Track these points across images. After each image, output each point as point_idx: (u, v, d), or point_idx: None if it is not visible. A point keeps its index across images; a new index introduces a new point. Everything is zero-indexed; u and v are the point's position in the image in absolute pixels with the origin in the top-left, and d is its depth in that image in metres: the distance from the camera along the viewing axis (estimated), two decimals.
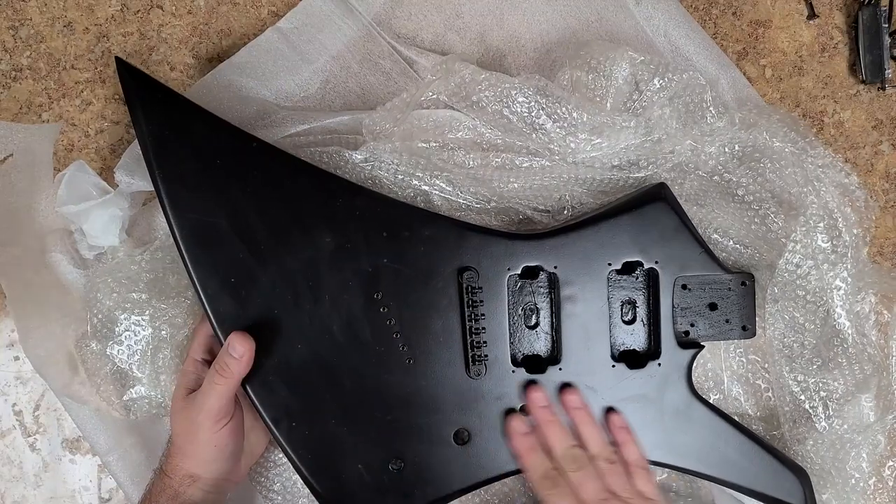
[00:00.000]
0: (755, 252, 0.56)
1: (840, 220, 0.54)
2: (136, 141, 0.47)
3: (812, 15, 0.62)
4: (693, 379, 0.52)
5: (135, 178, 0.55)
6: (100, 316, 0.55)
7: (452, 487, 0.50)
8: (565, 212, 0.56)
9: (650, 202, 0.51)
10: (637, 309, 0.53)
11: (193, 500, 0.48)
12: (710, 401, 0.56)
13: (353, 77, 0.60)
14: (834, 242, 0.54)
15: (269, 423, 0.48)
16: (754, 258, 0.56)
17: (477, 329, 0.50)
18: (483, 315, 0.50)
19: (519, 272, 0.50)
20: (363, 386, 0.49)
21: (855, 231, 0.55)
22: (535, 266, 0.50)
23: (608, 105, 0.56)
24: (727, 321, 0.53)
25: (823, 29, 0.62)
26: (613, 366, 0.51)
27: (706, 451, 0.51)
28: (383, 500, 0.49)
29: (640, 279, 0.53)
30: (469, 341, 0.49)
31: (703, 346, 0.52)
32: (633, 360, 0.52)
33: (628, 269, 0.52)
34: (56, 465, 0.62)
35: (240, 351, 0.46)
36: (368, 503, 0.49)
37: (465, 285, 0.49)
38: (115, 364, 0.56)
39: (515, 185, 0.56)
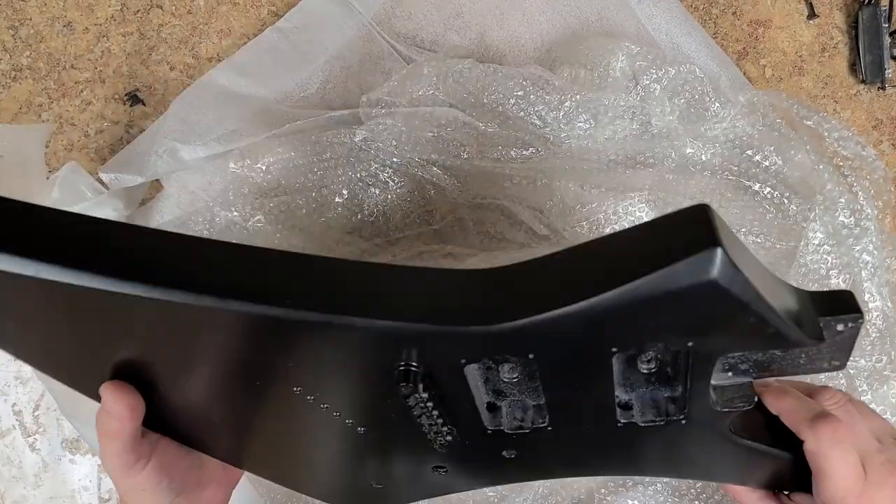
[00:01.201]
0: (771, 242, 0.55)
1: (860, 193, 0.54)
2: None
3: (812, 15, 0.62)
4: None
5: (122, 174, 0.55)
6: None
7: (434, 495, 0.49)
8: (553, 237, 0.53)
9: (687, 277, 0.27)
10: (658, 360, 0.35)
11: None
12: None
13: (352, 77, 0.60)
14: (856, 217, 0.53)
15: (234, 465, 0.46)
16: (770, 251, 0.56)
17: (431, 421, 0.37)
18: (436, 407, 0.36)
19: (478, 364, 0.35)
20: (315, 448, 0.44)
21: (877, 202, 0.54)
22: (501, 357, 0.34)
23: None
24: (804, 359, 0.35)
25: (823, 29, 0.62)
26: (620, 424, 0.38)
27: (734, 473, 0.44)
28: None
29: (666, 350, 0.34)
30: (425, 430, 0.38)
31: (752, 403, 0.37)
32: (649, 406, 0.38)
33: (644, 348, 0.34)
34: (56, 465, 0.61)
35: (115, 409, 0.38)
36: None
37: (403, 392, 0.34)
38: None
39: (512, 180, 0.56)
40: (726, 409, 0.36)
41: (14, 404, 0.62)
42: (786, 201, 0.55)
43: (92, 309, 0.32)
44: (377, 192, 0.56)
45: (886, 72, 0.60)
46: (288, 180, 0.56)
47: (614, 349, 0.32)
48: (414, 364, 0.33)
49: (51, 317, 0.33)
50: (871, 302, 0.54)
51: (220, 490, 0.46)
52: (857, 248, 0.53)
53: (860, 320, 0.32)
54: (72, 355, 0.36)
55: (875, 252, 0.53)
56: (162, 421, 0.40)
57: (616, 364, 0.34)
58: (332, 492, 0.49)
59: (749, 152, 0.57)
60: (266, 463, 0.46)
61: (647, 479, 0.57)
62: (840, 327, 0.32)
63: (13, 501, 0.62)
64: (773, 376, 0.36)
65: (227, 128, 0.57)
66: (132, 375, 0.37)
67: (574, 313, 0.29)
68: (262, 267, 0.33)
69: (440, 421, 0.37)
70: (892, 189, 0.56)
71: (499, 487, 0.58)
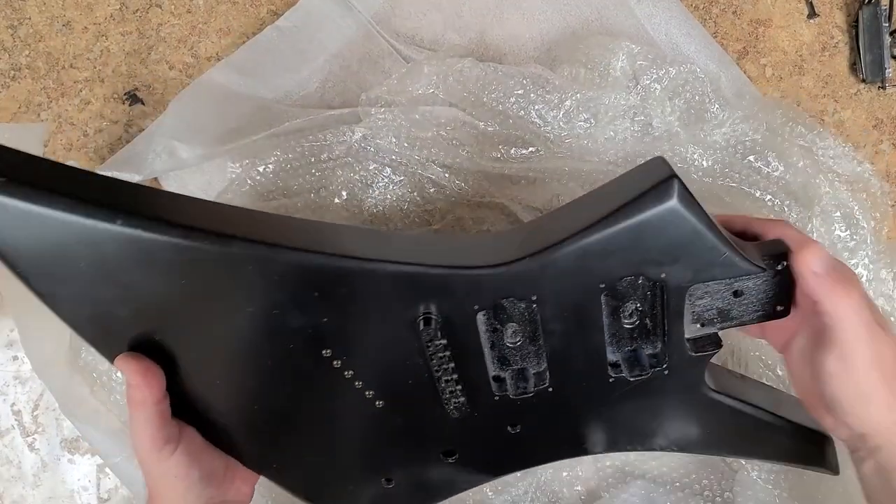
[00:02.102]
0: None
1: (856, 208, 0.54)
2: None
3: (812, 14, 0.62)
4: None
5: (121, 172, 0.55)
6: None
7: (442, 495, 0.50)
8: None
9: (654, 207, 0.37)
10: (639, 310, 0.43)
11: None
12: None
13: (352, 76, 0.60)
14: (852, 230, 0.54)
15: (251, 468, 0.46)
16: None
17: (448, 377, 0.42)
18: (452, 360, 0.42)
19: (489, 309, 0.41)
20: (333, 428, 0.45)
21: (875, 213, 0.54)
22: (509, 299, 0.41)
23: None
24: (755, 305, 0.42)
25: (824, 28, 0.62)
26: (611, 379, 0.44)
27: (726, 437, 0.48)
28: None
29: (643, 284, 0.41)
30: (440, 388, 0.43)
31: (719, 347, 0.44)
32: (635, 362, 0.44)
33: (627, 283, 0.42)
34: (55, 464, 0.61)
35: (133, 378, 0.39)
36: None
37: (424, 339, 0.40)
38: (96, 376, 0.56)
39: (511, 180, 0.56)
40: (700, 354, 0.43)
41: (13, 404, 0.62)
42: (786, 209, 0.55)
43: (135, 263, 0.35)
44: (376, 192, 0.56)
45: (887, 71, 0.60)
46: (286, 182, 0.56)
47: (602, 284, 0.39)
48: (433, 313, 0.39)
49: (82, 270, 0.36)
50: None
51: (246, 484, 0.47)
52: (853, 260, 0.54)
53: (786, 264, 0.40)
54: (98, 315, 0.38)
55: (871, 265, 0.54)
56: (185, 412, 0.42)
57: (605, 313, 0.41)
58: (344, 497, 0.49)
59: (751, 158, 0.56)
60: (277, 459, 0.46)
61: (646, 476, 0.57)
62: (779, 267, 0.40)
63: (12, 501, 0.62)
64: (734, 325, 0.42)
65: (226, 127, 0.56)
66: (153, 352, 0.39)
67: (566, 249, 0.38)
68: (298, 225, 0.40)
69: (455, 376, 0.42)
70: (890, 203, 0.56)
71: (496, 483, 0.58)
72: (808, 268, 0.38)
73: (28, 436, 0.62)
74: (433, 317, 0.39)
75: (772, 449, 0.49)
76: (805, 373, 0.41)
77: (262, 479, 0.57)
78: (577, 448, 0.49)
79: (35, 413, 0.62)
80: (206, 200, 0.39)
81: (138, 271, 0.36)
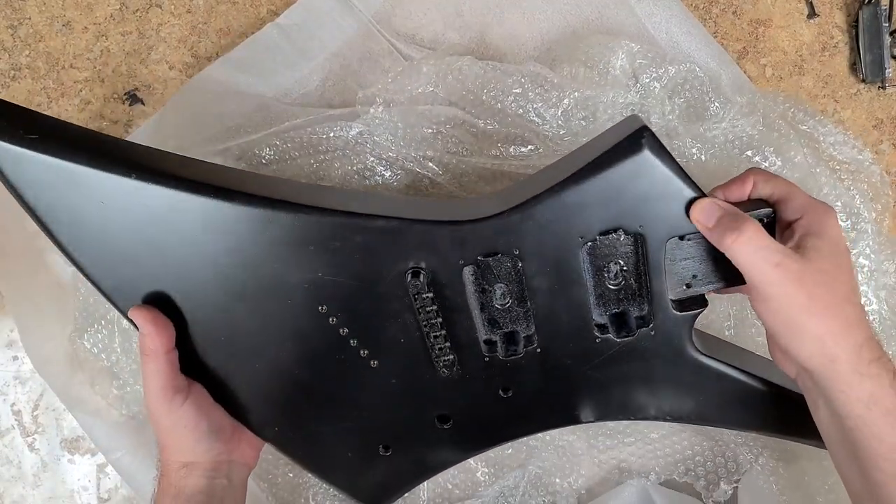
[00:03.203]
0: None
1: (857, 196, 0.54)
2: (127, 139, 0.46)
3: (812, 14, 0.62)
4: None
5: None
6: (83, 311, 0.55)
7: (438, 462, 0.51)
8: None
9: (626, 157, 0.39)
10: (623, 270, 0.43)
11: (198, 488, 0.46)
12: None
13: (352, 75, 0.60)
14: (853, 220, 0.53)
15: (254, 432, 0.48)
16: None
17: (436, 332, 0.44)
18: (440, 315, 0.43)
19: (474, 262, 0.42)
20: (331, 390, 0.47)
21: (876, 205, 0.54)
22: (492, 252, 0.42)
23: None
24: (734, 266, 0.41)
25: (824, 28, 0.62)
26: (598, 339, 0.45)
27: (715, 404, 0.48)
28: (379, 479, 0.50)
29: (623, 241, 0.42)
30: (430, 345, 0.44)
31: (705, 306, 0.44)
32: (622, 323, 0.45)
33: (606, 236, 0.42)
34: (55, 464, 0.61)
35: (146, 328, 0.42)
36: (366, 483, 0.50)
37: (412, 291, 0.42)
38: (104, 358, 0.56)
39: (510, 178, 0.55)
40: (685, 312, 0.44)
41: (13, 404, 0.62)
42: None
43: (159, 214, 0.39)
44: (373, 185, 0.56)
45: (887, 71, 0.60)
46: (284, 173, 0.56)
47: (581, 237, 0.41)
48: (421, 266, 0.42)
49: (101, 222, 0.40)
50: (868, 305, 0.54)
51: (252, 447, 0.49)
52: (854, 251, 0.53)
53: (772, 215, 0.42)
54: (115, 267, 0.41)
55: (872, 255, 0.53)
56: (192, 371, 0.45)
57: (588, 271, 0.42)
58: (341, 465, 0.50)
59: (749, 153, 0.56)
60: (278, 422, 0.48)
61: (643, 472, 0.58)
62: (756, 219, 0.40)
63: (12, 501, 0.61)
64: (716, 287, 0.43)
65: (225, 124, 0.57)
66: (164, 307, 0.42)
67: (545, 202, 0.40)
68: (298, 185, 0.44)
69: (443, 332, 0.44)
70: (890, 192, 0.56)
71: (492, 473, 0.58)
72: (699, 224, 0.40)
73: (28, 436, 0.62)
74: (421, 270, 0.42)
75: (761, 417, 0.49)
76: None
77: (261, 473, 0.57)
78: (568, 416, 0.49)
79: (35, 413, 0.62)
80: (210, 162, 0.43)
81: (152, 226, 0.40)
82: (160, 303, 0.42)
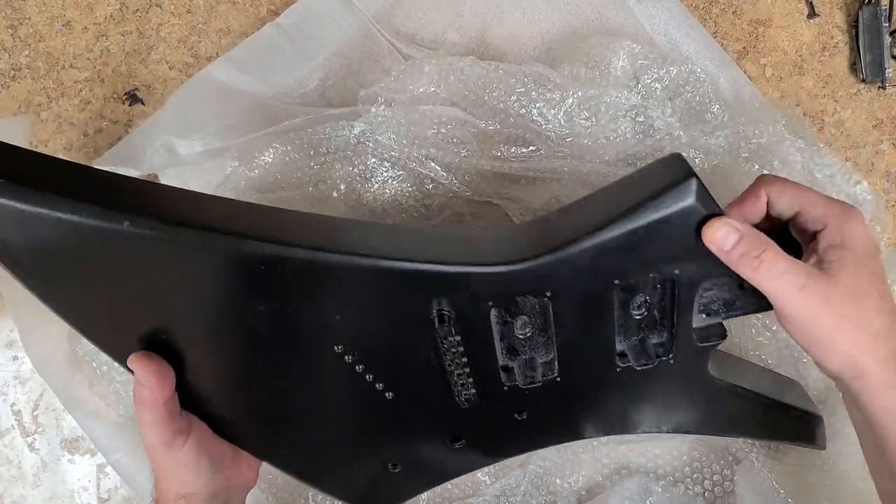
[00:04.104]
0: None
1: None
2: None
3: (812, 14, 0.62)
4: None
5: (118, 167, 0.55)
6: None
7: (445, 475, 0.51)
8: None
9: (673, 206, 0.36)
10: (648, 305, 0.42)
11: None
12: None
13: (352, 74, 0.60)
14: None
15: (257, 456, 0.47)
16: None
17: (460, 370, 0.42)
18: (464, 354, 0.41)
19: (504, 305, 0.40)
20: (343, 418, 0.46)
21: (876, 227, 0.54)
22: (523, 296, 0.40)
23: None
24: (759, 295, 0.40)
25: (824, 28, 0.62)
26: (618, 368, 0.44)
27: (723, 419, 0.49)
28: (384, 491, 0.50)
29: (654, 282, 0.41)
30: (452, 382, 0.43)
31: (724, 338, 0.44)
32: (642, 352, 0.44)
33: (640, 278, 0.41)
34: (55, 464, 0.61)
35: (147, 379, 0.39)
36: (370, 494, 0.50)
37: (440, 336, 0.40)
38: (95, 367, 0.56)
39: (511, 179, 0.55)
40: (705, 344, 0.43)
41: (13, 404, 0.61)
42: None
43: (131, 262, 0.34)
44: (375, 186, 0.56)
45: (887, 71, 0.60)
46: (285, 175, 0.56)
47: (616, 281, 0.39)
48: (447, 309, 0.39)
49: (87, 273, 0.35)
50: None
51: (251, 469, 0.47)
52: None
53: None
54: (105, 317, 0.38)
55: None
56: (191, 403, 0.42)
57: (615, 306, 0.40)
58: (347, 481, 0.49)
59: (757, 167, 0.56)
60: (283, 447, 0.46)
61: (643, 470, 0.58)
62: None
63: (12, 501, 0.61)
64: (738, 315, 0.42)
65: (224, 123, 0.56)
66: (162, 349, 0.39)
67: (584, 246, 0.37)
68: (311, 221, 0.39)
69: (467, 370, 0.42)
70: (890, 205, 0.56)
71: (492, 473, 0.58)
72: (713, 247, 0.37)
73: (28, 436, 0.62)
74: (447, 313, 0.39)
75: (765, 428, 0.50)
76: None
77: (263, 472, 0.57)
78: (580, 432, 0.49)
79: (35, 413, 0.62)
80: (215, 196, 0.38)
81: (147, 270, 0.35)
82: (158, 340, 0.39)
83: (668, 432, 0.50)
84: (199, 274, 0.36)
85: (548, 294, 0.39)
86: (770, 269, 0.37)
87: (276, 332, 0.39)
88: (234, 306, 0.38)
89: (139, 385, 0.39)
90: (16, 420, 0.62)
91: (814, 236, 0.39)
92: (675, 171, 0.37)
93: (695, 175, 0.36)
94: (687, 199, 0.36)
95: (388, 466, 0.48)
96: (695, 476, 0.58)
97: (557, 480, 0.58)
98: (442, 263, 0.38)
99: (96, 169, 0.35)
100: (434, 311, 0.39)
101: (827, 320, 0.37)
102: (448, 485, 0.58)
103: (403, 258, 0.37)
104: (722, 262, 0.38)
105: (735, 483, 0.56)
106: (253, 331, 0.39)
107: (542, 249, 0.38)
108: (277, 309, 0.38)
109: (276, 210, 0.39)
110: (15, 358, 0.61)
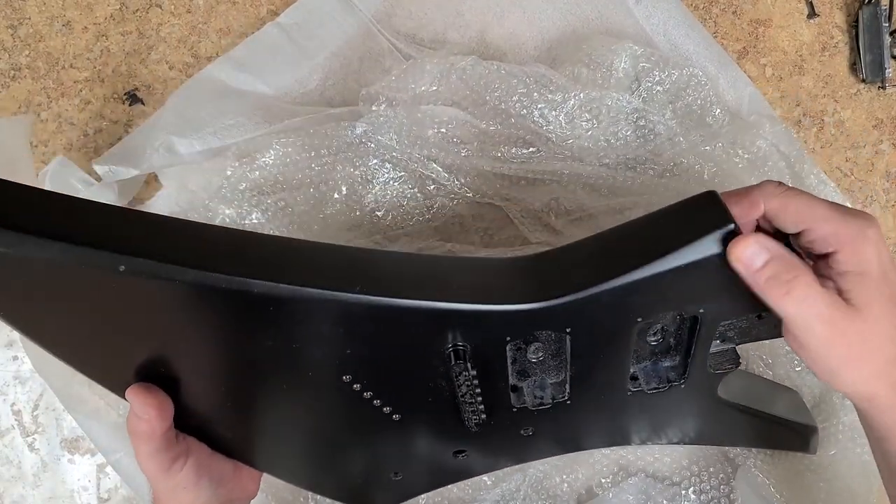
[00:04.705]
0: None
1: None
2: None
3: (812, 14, 0.62)
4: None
5: (117, 166, 0.55)
6: None
7: (447, 481, 0.51)
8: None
9: (707, 253, 0.34)
10: (664, 332, 0.41)
11: None
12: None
13: (352, 74, 0.60)
14: None
15: (259, 469, 0.46)
16: None
17: (471, 400, 0.40)
18: (477, 385, 0.40)
19: (520, 341, 0.39)
20: (348, 439, 0.45)
21: None
22: (540, 335, 0.39)
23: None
24: (774, 323, 0.39)
25: (824, 28, 0.62)
26: (629, 392, 0.43)
27: (725, 432, 0.51)
28: (385, 496, 0.50)
29: (676, 317, 0.40)
30: (463, 409, 0.41)
31: (738, 365, 0.43)
32: (654, 376, 0.43)
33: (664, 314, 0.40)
34: (55, 464, 0.61)
35: (144, 412, 0.37)
36: (371, 499, 0.50)
37: (455, 371, 0.38)
38: None
39: (512, 179, 0.55)
40: (719, 371, 0.42)
41: (13, 404, 0.61)
42: None
43: (121, 298, 0.32)
44: (376, 188, 0.56)
45: (887, 71, 0.60)
46: (286, 176, 0.56)
47: (640, 318, 0.38)
48: (462, 344, 0.37)
49: (79, 309, 0.33)
50: None
51: (252, 481, 0.47)
52: None
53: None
54: (99, 351, 0.36)
55: None
56: (190, 425, 0.41)
57: (633, 337, 0.39)
58: (350, 487, 0.50)
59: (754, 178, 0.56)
60: (286, 461, 0.46)
61: (642, 471, 0.58)
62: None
63: (12, 501, 0.61)
64: (752, 341, 0.41)
65: (224, 123, 0.56)
66: (159, 378, 0.37)
67: (613, 288, 0.35)
68: (322, 253, 0.36)
69: (480, 399, 0.40)
70: (890, 204, 0.56)
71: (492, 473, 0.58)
72: (740, 266, 0.35)
73: (28, 436, 0.62)
74: (462, 347, 0.37)
75: (763, 439, 0.53)
76: None
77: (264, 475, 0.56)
78: (583, 446, 0.50)
79: (35, 413, 0.61)
80: (215, 227, 0.36)
81: (147, 310, 0.33)
82: (156, 374, 0.37)
83: (667, 443, 0.51)
84: (201, 313, 0.34)
85: (568, 330, 0.38)
86: (796, 299, 0.34)
87: (282, 366, 0.38)
88: (240, 343, 0.36)
89: (136, 418, 0.38)
90: (16, 420, 0.61)
91: (825, 256, 0.37)
92: (713, 216, 0.35)
93: (732, 220, 0.34)
94: (723, 251, 0.34)
95: (390, 475, 0.48)
96: (693, 479, 0.58)
97: (557, 481, 0.57)
98: (462, 301, 0.36)
99: (83, 200, 0.32)
100: (450, 345, 0.37)
101: (842, 350, 0.35)
102: (448, 487, 0.58)
103: (421, 297, 0.35)
104: (749, 301, 0.36)
105: (734, 487, 0.57)
106: (258, 364, 0.38)
107: (566, 289, 0.36)
108: (285, 343, 0.36)
109: (284, 241, 0.37)
110: (15, 358, 0.61)
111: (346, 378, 0.38)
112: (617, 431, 0.49)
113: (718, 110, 0.57)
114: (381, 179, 0.56)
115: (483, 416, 0.42)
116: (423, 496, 0.57)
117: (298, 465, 0.47)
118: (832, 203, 0.36)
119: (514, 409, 0.43)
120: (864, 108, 0.63)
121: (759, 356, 0.58)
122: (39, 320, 0.33)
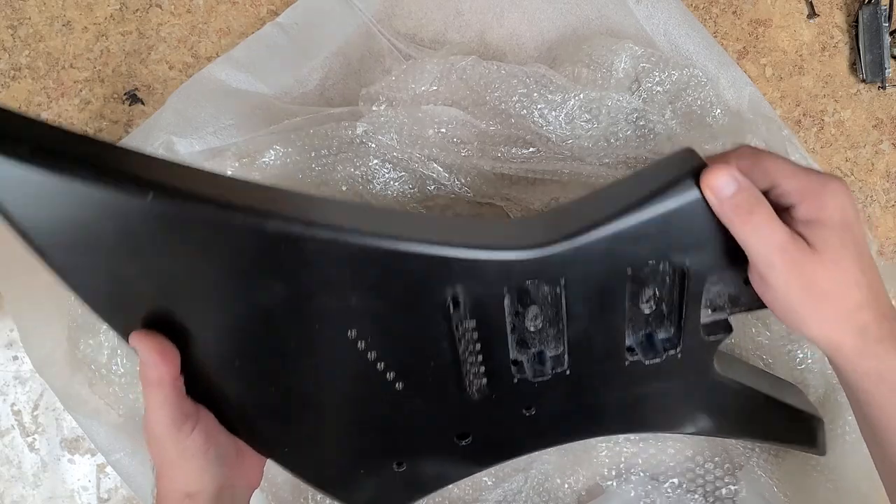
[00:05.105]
0: None
1: None
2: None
3: (812, 14, 0.62)
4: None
5: None
6: (80, 310, 0.55)
7: (450, 476, 0.50)
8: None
9: (686, 192, 0.38)
10: (657, 297, 0.43)
11: None
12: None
13: (352, 74, 0.60)
14: None
15: (262, 453, 0.46)
16: None
17: (472, 359, 0.42)
18: (477, 341, 0.42)
19: (517, 293, 0.41)
20: (352, 410, 0.45)
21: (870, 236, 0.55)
22: (533, 282, 0.41)
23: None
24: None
25: (824, 28, 0.62)
26: (627, 362, 0.44)
27: (728, 419, 0.50)
28: (387, 493, 0.50)
29: (664, 274, 0.42)
30: (464, 371, 0.43)
31: (730, 332, 0.44)
32: (650, 346, 0.45)
33: (652, 266, 0.42)
34: (55, 464, 0.61)
35: (149, 357, 0.38)
36: (373, 497, 0.49)
37: (454, 321, 0.40)
38: (94, 370, 0.56)
39: (511, 180, 0.55)
40: (712, 338, 0.44)
41: (13, 404, 0.61)
42: None
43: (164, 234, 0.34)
44: (377, 187, 0.56)
45: (887, 71, 0.60)
46: (286, 176, 0.56)
47: (629, 269, 0.40)
48: (462, 295, 0.39)
49: (102, 242, 0.35)
50: None
51: (255, 469, 0.47)
52: None
53: None
54: (113, 290, 0.37)
55: None
56: (196, 393, 0.41)
57: (626, 298, 0.41)
58: (351, 480, 0.49)
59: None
60: (290, 443, 0.46)
61: (645, 471, 0.58)
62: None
63: (12, 501, 0.61)
64: (742, 311, 0.43)
65: (224, 122, 0.56)
66: (168, 331, 0.38)
67: (600, 233, 0.38)
68: (332, 204, 0.40)
69: (480, 358, 0.42)
70: (889, 204, 0.55)
71: (493, 474, 0.58)
72: (710, 191, 0.37)
73: (28, 436, 0.62)
74: (461, 299, 0.39)
75: (768, 429, 0.52)
76: None
77: (264, 471, 0.57)
78: (587, 432, 0.50)
79: (35, 413, 0.62)
80: (235, 178, 0.39)
81: (165, 246, 0.35)
82: (163, 322, 0.38)
83: (670, 433, 0.50)
84: (217, 251, 0.36)
85: (562, 282, 0.40)
86: (757, 226, 0.36)
87: (290, 313, 0.39)
88: (252, 285, 0.38)
89: (143, 365, 0.38)
90: (16, 420, 0.62)
91: (789, 210, 0.38)
92: (690, 163, 0.38)
93: (698, 163, 0.38)
94: (692, 194, 0.37)
95: (393, 465, 0.48)
96: (696, 480, 0.58)
97: (558, 480, 0.58)
98: (460, 247, 0.38)
99: (117, 146, 0.35)
100: (449, 296, 0.39)
101: (802, 289, 0.37)
102: (450, 487, 0.58)
103: (422, 240, 0.38)
104: (732, 252, 0.39)
105: (737, 489, 0.57)
106: (268, 312, 0.39)
107: (559, 235, 0.39)
108: (294, 289, 0.38)
109: (296, 192, 0.40)
110: (15, 358, 0.61)
111: (351, 334, 0.40)
112: (618, 415, 0.49)
113: (719, 110, 0.57)
114: (381, 179, 0.56)
115: (484, 379, 0.43)
116: (424, 499, 0.57)
117: (301, 446, 0.47)
118: (801, 165, 0.38)
119: (515, 381, 0.44)
120: (864, 108, 0.63)
121: (759, 356, 0.58)
122: (63, 250, 0.35)
